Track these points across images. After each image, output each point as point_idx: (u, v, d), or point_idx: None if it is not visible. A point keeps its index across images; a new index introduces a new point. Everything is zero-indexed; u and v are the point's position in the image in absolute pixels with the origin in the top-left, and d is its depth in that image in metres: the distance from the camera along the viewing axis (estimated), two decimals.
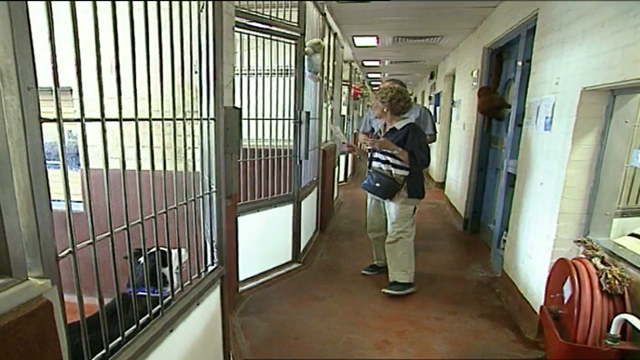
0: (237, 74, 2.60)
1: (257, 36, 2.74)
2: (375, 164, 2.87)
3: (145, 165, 1.11)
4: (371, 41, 5.45)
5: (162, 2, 1.10)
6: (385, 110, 2.75)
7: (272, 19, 2.80)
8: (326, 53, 4.01)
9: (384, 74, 9.52)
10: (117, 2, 0.93)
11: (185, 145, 1.34)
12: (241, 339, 2.28)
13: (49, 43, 0.74)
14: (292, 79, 3.10)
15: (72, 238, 0.85)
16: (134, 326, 1.13)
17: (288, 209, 3.25)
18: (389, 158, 2.76)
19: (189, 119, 1.34)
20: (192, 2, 1.30)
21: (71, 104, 2.09)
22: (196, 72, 1.44)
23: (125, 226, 1.05)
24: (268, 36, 2.81)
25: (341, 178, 6.94)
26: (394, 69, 8.63)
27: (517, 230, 2.73)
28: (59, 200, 0.81)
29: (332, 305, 2.73)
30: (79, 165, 2.35)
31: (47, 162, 0.77)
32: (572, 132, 2.04)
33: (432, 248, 3.95)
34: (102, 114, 0.91)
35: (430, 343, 2.29)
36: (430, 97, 8.51)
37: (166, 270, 1.45)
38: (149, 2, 1.08)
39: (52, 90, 0.77)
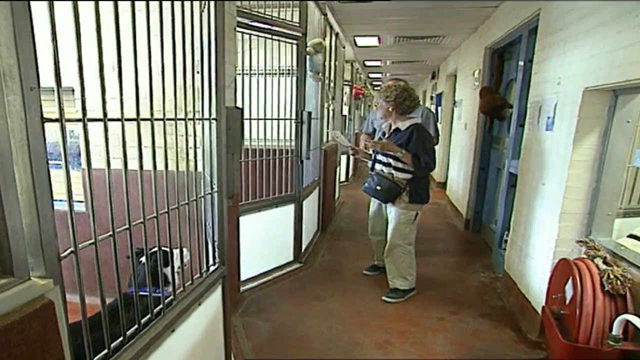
0: (239, 74, 2.60)
1: (258, 36, 2.74)
2: (377, 166, 2.80)
3: (147, 165, 1.12)
4: (372, 41, 5.45)
5: (163, 2, 1.10)
6: (390, 109, 2.65)
7: (274, 19, 2.80)
8: (327, 53, 4.01)
9: (386, 74, 9.52)
10: (119, 2, 0.93)
11: (187, 145, 1.34)
12: (242, 339, 2.28)
13: (52, 43, 0.74)
14: (294, 79, 3.10)
15: (74, 238, 0.85)
16: (136, 326, 1.13)
17: (289, 209, 3.25)
18: (391, 160, 2.68)
19: (191, 119, 1.34)
20: (194, 2, 1.30)
21: (73, 104, 2.10)
22: (198, 72, 1.44)
23: (127, 226, 1.06)
24: (269, 36, 2.81)
25: (342, 178, 6.93)
26: (395, 69, 8.62)
27: (519, 231, 2.72)
28: (61, 200, 0.81)
29: (333, 306, 2.73)
30: (81, 165, 2.36)
31: (49, 162, 0.77)
32: (574, 132, 2.03)
33: (433, 248, 3.94)
34: (104, 114, 0.92)
35: (432, 343, 2.29)
36: (432, 97, 8.51)
37: (168, 270, 1.45)
38: (150, 2, 1.08)
39: (54, 91, 0.77)
